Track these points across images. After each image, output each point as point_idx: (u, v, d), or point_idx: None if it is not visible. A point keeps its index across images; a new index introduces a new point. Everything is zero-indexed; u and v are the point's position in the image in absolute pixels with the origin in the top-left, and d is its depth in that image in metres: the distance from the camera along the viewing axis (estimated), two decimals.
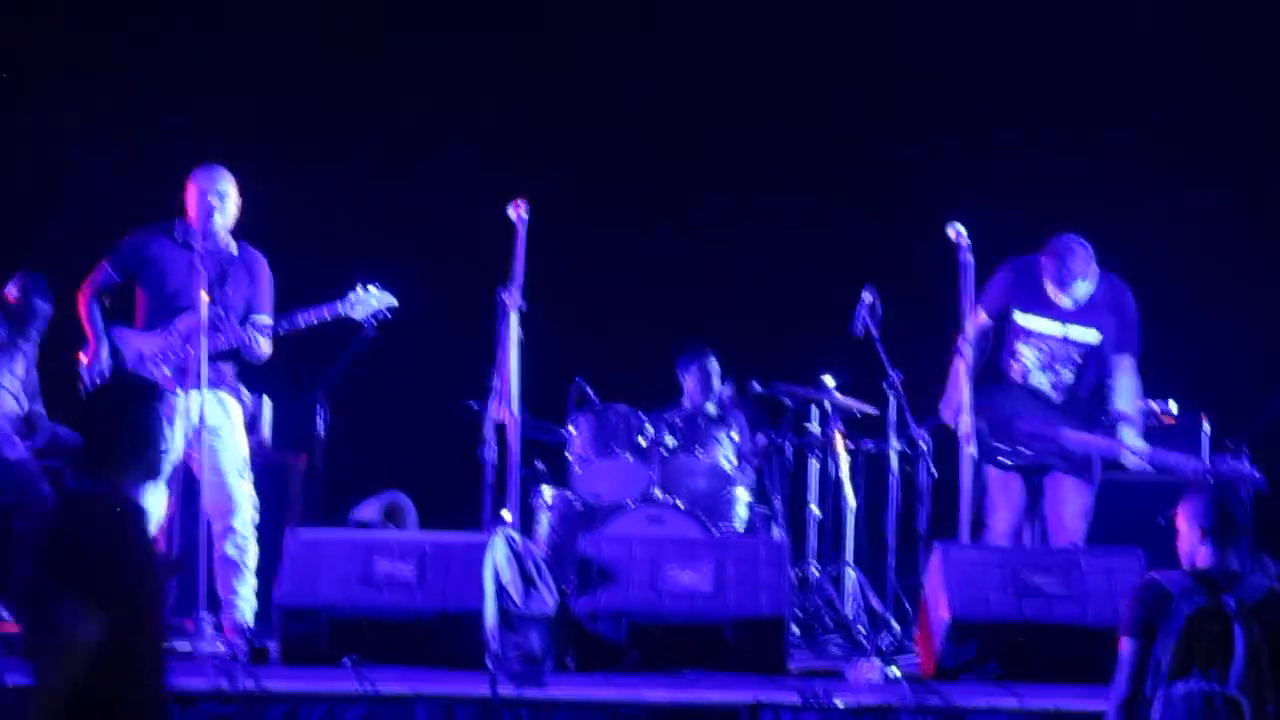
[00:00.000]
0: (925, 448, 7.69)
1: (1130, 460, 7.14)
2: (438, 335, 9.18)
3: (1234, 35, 9.40)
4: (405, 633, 6.23)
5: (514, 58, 9.84)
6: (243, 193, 7.24)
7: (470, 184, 9.08)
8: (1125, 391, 7.21)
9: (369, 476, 8.83)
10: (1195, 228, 9.26)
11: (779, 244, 9.80)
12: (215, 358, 7.06)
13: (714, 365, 8.89)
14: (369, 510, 8.33)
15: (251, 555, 7.13)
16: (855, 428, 8.27)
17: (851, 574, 7.89)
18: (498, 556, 6.31)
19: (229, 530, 7.09)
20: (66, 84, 9.53)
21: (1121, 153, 9.48)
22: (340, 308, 7.22)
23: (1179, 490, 5.41)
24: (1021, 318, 7.27)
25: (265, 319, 7.23)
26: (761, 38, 9.82)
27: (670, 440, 7.95)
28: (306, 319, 7.22)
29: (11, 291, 8.05)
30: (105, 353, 7.17)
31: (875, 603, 7.71)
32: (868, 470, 8.28)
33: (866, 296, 7.68)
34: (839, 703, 5.87)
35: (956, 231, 7.14)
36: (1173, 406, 7.90)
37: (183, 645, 6.59)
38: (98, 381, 7.11)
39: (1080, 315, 7.21)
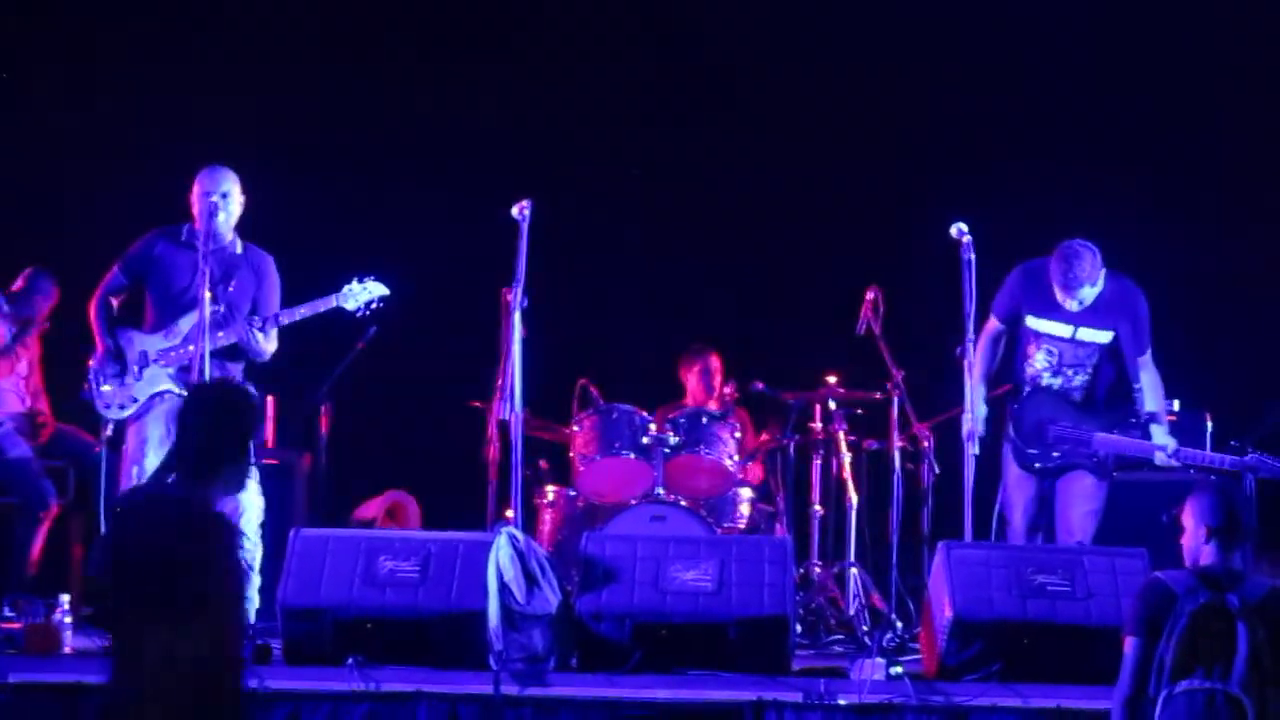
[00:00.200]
0: (928, 446, 7.70)
1: (1162, 459, 7.17)
2: (441, 335, 9.19)
3: (1238, 33, 9.39)
4: (409, 632, 6.21)
5: (519, 57, 9.84)
6: (245, 193, 7.25)
7: (474, 184, 9.09)
8: (1151, 391, 7.25)
9: (373, 476, 8.84)
10: (1196, 227, 9.26)
11: (782, 243, 9.79)
12: (221, 356, 7.08)
13: (716, 364, 8.89)
14: (372, 509, 8.33)
15: (256, 555, 7.14)
16: (858, 426, 8.27)
17: (854, 572, 7.89)
18: (501, 555, 6.29)
19: None
20: (66, 84, 9.54)
21: (1126, 152, 9.49)
22: (335, 300, 7.27)
23: (1182, 489, 5.41)
24: (1033, 321, 7.28)
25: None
26: (763, 37, 9.83)
27: (673, 439, 7.94)
28: (302, 312, 7.26)
29: (17, 285, 8.09)
30: (106, 353, 7.19)
31: (878, 601, 7.71)
32: (870, 469, 8.27)
33: (870, 295, 7.70)
34: (842, 701, 5.87)
35: (960, 231, 7.14)
36: (1174, 405, 7.90)
37: None
38: (98, 381, 7.13)
39: (1089, 317, 7.21)
